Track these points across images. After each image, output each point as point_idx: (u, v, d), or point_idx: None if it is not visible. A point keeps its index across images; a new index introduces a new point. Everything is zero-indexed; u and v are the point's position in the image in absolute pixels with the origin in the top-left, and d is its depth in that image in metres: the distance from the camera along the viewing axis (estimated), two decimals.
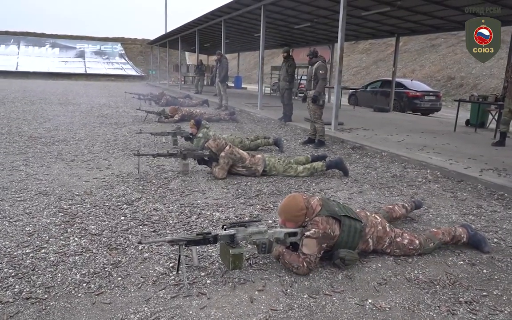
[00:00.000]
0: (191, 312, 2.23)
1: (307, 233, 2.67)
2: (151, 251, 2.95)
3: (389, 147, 7.00)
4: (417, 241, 3.02)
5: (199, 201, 4.12)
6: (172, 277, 2.60)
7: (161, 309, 2.26)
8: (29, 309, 2.22)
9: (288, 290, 2.49)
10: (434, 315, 2.32)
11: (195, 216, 3.68)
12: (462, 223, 3.58)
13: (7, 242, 3.01)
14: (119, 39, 51.99)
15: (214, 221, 3.60)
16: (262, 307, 2.30)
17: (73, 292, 2.40)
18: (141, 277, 2.59)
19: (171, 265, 2.76)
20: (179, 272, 2.58)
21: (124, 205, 3.90)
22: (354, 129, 9.09)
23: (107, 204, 3.93)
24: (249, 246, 2.99)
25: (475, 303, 2.45)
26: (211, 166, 5.07)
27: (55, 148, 6.47)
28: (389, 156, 6.55)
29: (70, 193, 4.23)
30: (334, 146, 7.53)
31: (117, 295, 2.39)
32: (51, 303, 2.28)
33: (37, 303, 2.27)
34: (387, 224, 3.07)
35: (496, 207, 4.32)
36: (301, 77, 21.30)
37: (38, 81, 30.76)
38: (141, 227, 3.39)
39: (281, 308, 2.31)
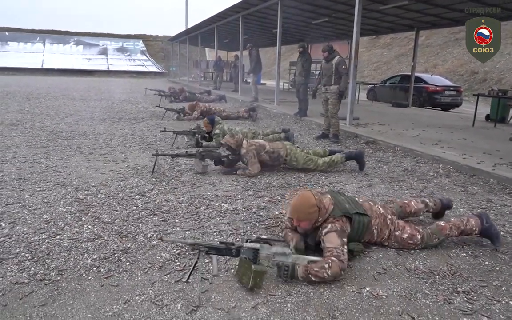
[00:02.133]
0: (192, 295, 2.35)
1: (325, 231, 2.66)
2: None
3: (403, 141, 6.97)
4: (418, 236, 3.00)
5: (209, 193, 4.24)
6: (178, 263, 2.72)
7: (165, 292, 2.38)
8: (42, 289, 2.37)
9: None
10: (430, 303, 2.36)
11: (204, 207, 3.80)
12: (479, 212, 3.49)
13: (25, 229, 3.19)
14: (140, 36, 52.73)
15: (222, 212, 3.70)
16: (261, 292, 2.39)
17: (83, 275, 2.54)
18: (148, 262, 2.72)
19: (177, 252, 2.88)
20: (189, 280, 2.50)
21: (137, 196, 4.05)
22: (370, 124, 9.06)
23: (121, 194, 4.09)
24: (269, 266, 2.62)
25: (473, 293, 2.48)
26: (225, 165, 5.05)
27: (74, 142, 6.71)
28: (402, 150, 6.53)
29: (87, 184, 4.41)
30: (348, 141, 7.54)
31: (125, 278, 2.52)
32: (63, 285, 2.42)
33: (50, 284, 2.42)
34: (389, 217, 3.05)
35: (506, 201, 4.28)
36: (319, 73, 21.25)
37: (62, 78, 31.55)
38: (151, 216, 3.53)
39: (279, 293, 2.40)
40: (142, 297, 2.32)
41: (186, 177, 4.82)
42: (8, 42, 44.61)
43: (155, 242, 3.03)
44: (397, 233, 3.00)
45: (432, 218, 3.64)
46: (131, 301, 2.28)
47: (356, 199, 3.10)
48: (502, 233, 3.41)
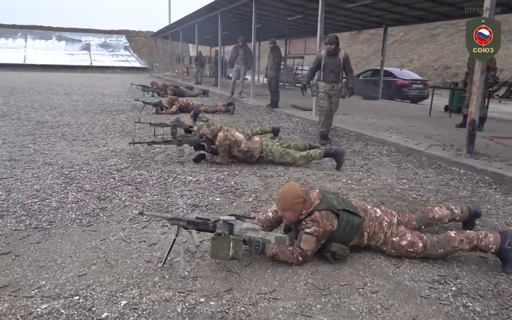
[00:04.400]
0: (154, 235, 3.06)
1: (308, 230, 2.63)
2: (131, 200, 3.77)
3: (359, 128, 7.76)
4: (420, 244, 2.76)
5: (177, 169, 4.94)
6: (145, 217, 3.41)
7: (133, 234, 3.08)
8: (36, 234, 3.05)
9: None
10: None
11: (171, 179, 4.50)
12: (504, 229, 3.09)
13: (19, 195, 3.84)
14: (123, 32, 52.94)
15: (186, 182, 4.41)
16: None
17: (69, 225, 3.23)
18: (121, 216, 3.42)
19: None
20: (169, 258, 2.63)
21: (114, 172, 4.73)
22: (335, 114, 9.80)
23: (101, 170, 4.76)
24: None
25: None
26: (208, 150, 5.30)
27: (59, 130, 7.31)
28: (355, 135, 7.32)
29: (71, 163, 5.07)
30: (311, 128, 8.30)
31: (102, 226, 3.21)
32: (53, 231, 3.11)
33: (43, 231, 3.10)
34: (386, 220, 2.89)
35: (430, 174, 5.08)
36: (296, 67, 22.12)
37: (45, 74, 31.71)
38: (126, 186, 4.22)
39: None
40: (115, 237, 3.02)
41: (159, 157, 5.50)
42: None
43: (128, 203, 3.73)
44: (394, 239, 2.80)
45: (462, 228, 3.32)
46: (106, 240, 2.98)
47: (352, 203, 2.99)
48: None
